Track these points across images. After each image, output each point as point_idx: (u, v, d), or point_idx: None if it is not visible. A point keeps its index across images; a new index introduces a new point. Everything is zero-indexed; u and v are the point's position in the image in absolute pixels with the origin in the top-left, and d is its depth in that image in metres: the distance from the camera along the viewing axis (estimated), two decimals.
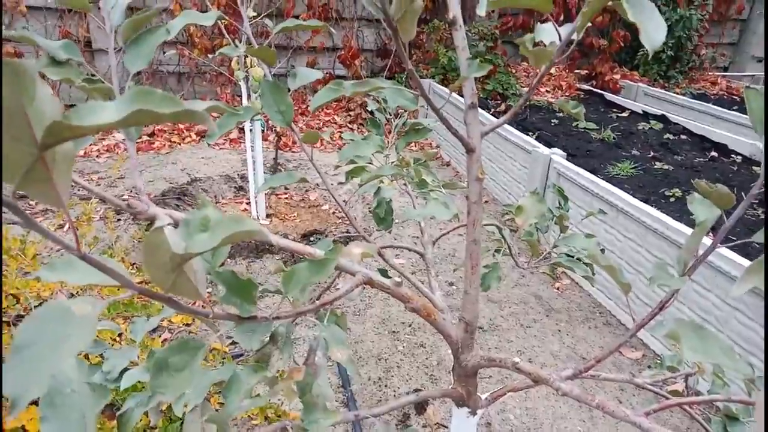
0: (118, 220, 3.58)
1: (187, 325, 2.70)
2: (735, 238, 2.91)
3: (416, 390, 2.37)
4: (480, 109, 4.98)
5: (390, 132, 1.55)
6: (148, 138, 5.14)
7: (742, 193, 3.54)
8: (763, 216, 3.22)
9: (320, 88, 1.10)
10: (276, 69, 6.30)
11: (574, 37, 0.76)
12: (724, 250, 2.31)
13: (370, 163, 1.41)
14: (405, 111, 1.57)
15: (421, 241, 1.24)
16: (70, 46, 0.76)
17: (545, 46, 0.82)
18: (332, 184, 4.39)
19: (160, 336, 2.56)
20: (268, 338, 0.87)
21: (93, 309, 0.43)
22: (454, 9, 0.79)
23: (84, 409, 0.59)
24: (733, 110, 5.62)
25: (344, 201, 4.34)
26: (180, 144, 5.17)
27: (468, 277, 0.82)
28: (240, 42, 3.88)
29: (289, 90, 1.10)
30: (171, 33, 0.86)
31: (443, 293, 3.31)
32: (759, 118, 0.66)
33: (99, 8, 0.81)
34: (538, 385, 0.77)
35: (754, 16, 7.56)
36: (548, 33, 0.84)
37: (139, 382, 0.97)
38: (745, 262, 2.28)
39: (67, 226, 3.56)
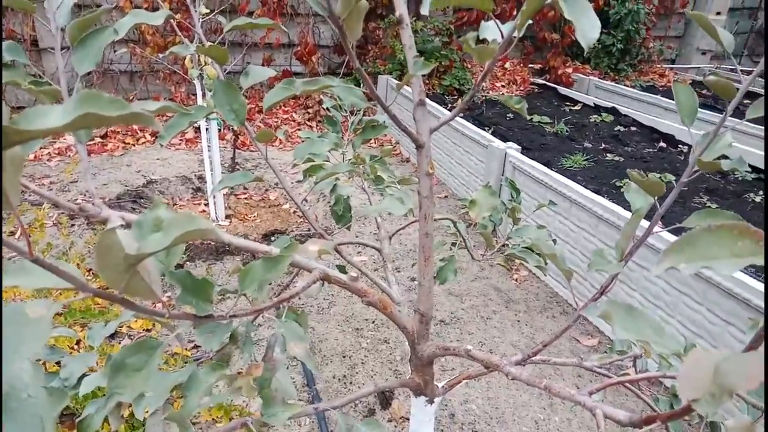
0: (72, 225, 3.49)
1: (147, 330, 2.66)
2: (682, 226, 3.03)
3: None
4: (437, 105, 5.02)
5: (347, 129, 1.57)
6: (101, 140, 5.02)
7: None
8: (710, 205, 3.36)
9: (276, 83, 1.11)
10: (231, 66, 6.23)
11: (516, 34, 0.79)
12: (666, 234, 2.41)
13: (327, 161, 1.42)
14: (361, 108, 1.59)
15: (378, 237, 1.26)
16: (15, 47, 0.75)
17: (488, 43, 0.85)
18: (291, 183, 4.38)
19: (120, 342, 2.52)
20: (228, 339, 0.87)
21: (47, 311, 0.43)
22: (401, 8, 0.81)
23: (41, 413, 0.59)
24: None
25: (304, 200, 4.33)
26: (134, 145, 5.07)
27: (421, 269, 0.84)
28: (193, 40, 3.82)
29: (241, 88, 1.10)
30: (119, 33, 0.86)
31: (405, 288, 3.34)
32: (686, 111, 0.70)
33: (44, 8, 0.80)
34: (491, 372, 0.80)
35: (698, 10, 7.84)
36: (492, 30, 0.87)
37: (98, 387, 0.97)
38: None
39: (18, 232, 3.45)
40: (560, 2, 0.71)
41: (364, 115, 1.60)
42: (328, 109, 1.63)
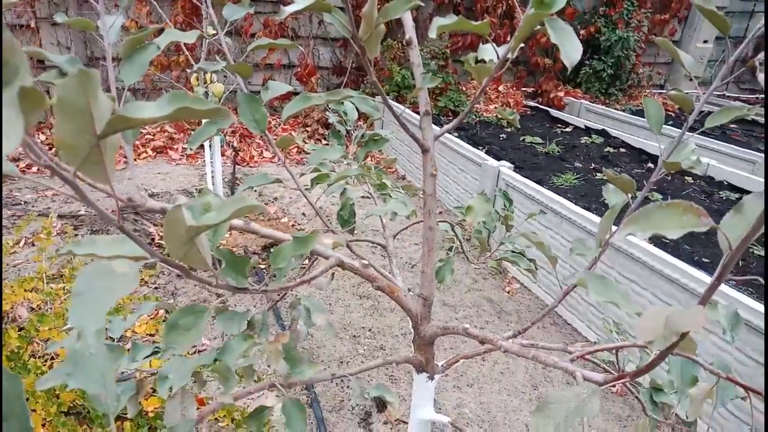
0: (76, 234, 3.58)
1: (151, 335, 2.74)
2: (667, 241, 3.15)
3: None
4: (433, 125, 5.18)
5: (350, 142, 1.68)
6: None
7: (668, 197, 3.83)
8: None
9: (277, 103, 1.22)
10: (234, 86, 6.38)
11: (509, 55, 0.91)
12: (634, 238, 2.56)
13: (333, 171, 1.54)
14: (364, 123, 1.70)
15: (383, 236, 1.37)
16: (74, 60, 0.86)
17: (485, 63, 0.97)
18: (289, 198, 4.49)
19: (124, 345, 2.59)
20: (246, 326, 0.98)
21: (130, 268, 0.54)
22: (410, 31, 0.93)
23: (102, 368, 0.69)
24: (669, 125, 6.01)
25: (302, 213, 4.44)
26: (136, 160, 5.17)
27: (425, 258, 0.95)
28: (199, 59, 3.95)
29: (262, 101, 1.22)
30: (160, 47, 0.98)
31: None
32: (654, 121, 0.82)
33: (97, 27, 0.92)
34: (487, 353, 0.90)
35: (686, 38, 8.09)
36: (489, 52, 0.99)
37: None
38: (644, 244, 2.60)
39: (22, 242, 3.54)
40: (548, 29, 0.83)
41: (366, 129, 1.72)
42: (331, 124, 1.75)
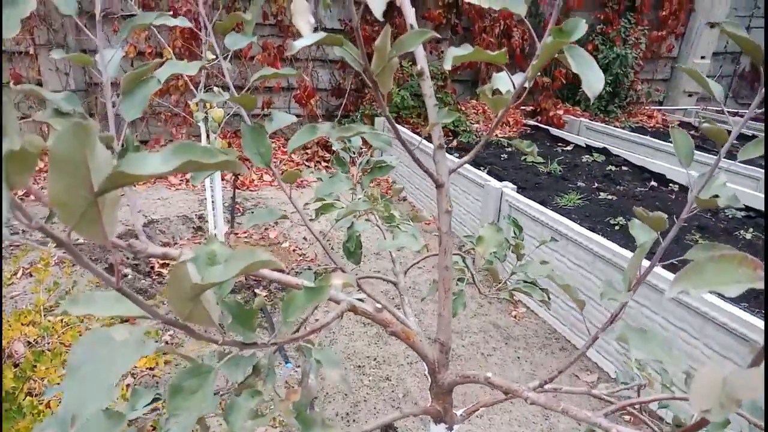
0: (74, 265, 3.52)
1: (151, 369, 2.68)
2: (677, 264, 3.10)
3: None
4: (432, 145, 5.15)
5: (354, 167, 1.64)
6: None
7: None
8: (701, 241, 3.44)
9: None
10: (234, 109, 6.37)
11: (527, 85, 0.88)
12: (660, 270, 2.48)
13: (337, 200, 1.49)
14: (368, 149, 1.66)
15: (393, 272, 1.32)
16: (72, 98, 0.82)
17: (501, 93, 0.93)
18: (291, 223, 4.44)
19: (123, 380, 2.53)
20: (251, 371, 0.92)
21: (131, 334, 0.49)
22: (421, 62, 0.89)
23: None
24: (669, 142, 6.00)
25: (303, 238, 4.38)
26: (135, 186, 5.13)
27: (441, 300, 0.90)
28: (198, 85, 3.93)
29: (266, 132, 1.17)
30: (161, 81, 0.94)
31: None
32: (684, 153, 0.77)
33: (95, 61, 0.87)
34: (507, 399, 0.85)
35: (683, 54, 8.12)
36: (503, 81, 0.95)
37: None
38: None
39: (20, 272, 3.48)
40: (568, 59, 0.79)
41: (370, 156, 1.68)
42: (333, 149, 1.71)
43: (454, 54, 0.77)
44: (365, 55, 0.73)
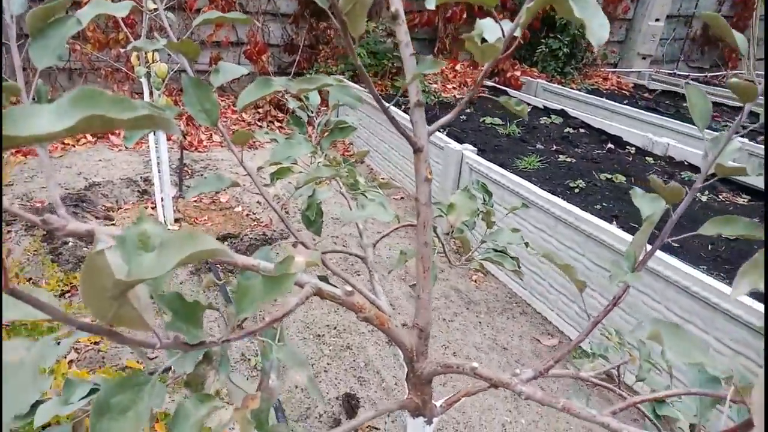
0: (8, 231, 3.27)
1: (95, 343, 2.51)
2: (636, 225, 3.10)
3: (347, 394, 2.33)
4: (393, 107, 4.97)
5: (312, 129, 1.50)
6: None
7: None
8: None
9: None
10: (179, 65, 5.97)
11: (517, 33, 0.76)
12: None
13: (295, 164, 1.35)
14: (326, 107, 1.52)
15: (359, 244, 1.20)
16: None
17: (487, 41, 0.80)
18: (244, 186, 4.24)
19: (66, 357, 2.36)
20: (201, 357, 0.80)
21: (29, 352, 0.36)
22: (396, 2, 0.75)
23: None
24: (624, 104, 6.02)
25: (274, 204, 4.20)
26: (74, 146, 4.81)
27: (420, 281, 0.79)
28: (138, 37, 3.64)
29: (212, 87, 1.03)
30: (82, 23, 0.78)
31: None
32: (699, 114, 0.67)
33: None
34: (492, 388, 0.75)
35: (638, 16, 8.12)
36: (491, 29, 0.83)
37: (56, 416, 0.87)
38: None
39: None
40: (570, 2, 0.68)
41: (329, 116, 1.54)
42: (289, 108, 1.56)
43: None
44: None
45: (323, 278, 1.05)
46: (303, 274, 0.73)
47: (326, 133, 1.46)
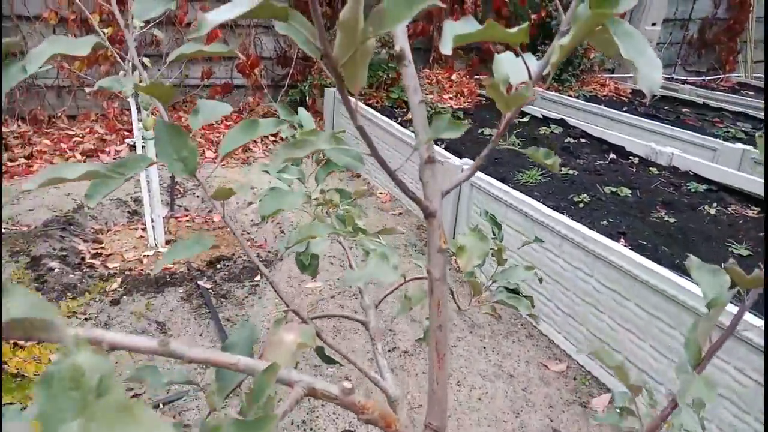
0: None
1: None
2: (645, 243, 2.97)
3: None
4: (386, 118, 4.85)
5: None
6: (26, 160, 4.60)
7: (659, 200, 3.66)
8: (669, 220, 3.33)
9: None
10: (171, 80, 5.86)
11: (549, 71, 0.64)
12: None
13: (290, 186, 1.23)
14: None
15: (361, 305, 1.08)
16: None
17: (508, 80, 0.69)
18: (237, 204, 4.12)
19: None
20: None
21: None
22: (401, 40, 0.63)
23: None
24: (624, 111, 5.91)
25: (252, 221, 4.07)
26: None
27: (434, 371, 0.67)
28: (127, 55, 3.52)
29: (190, 131, 0.91)
30: (29, 70, 0.67)
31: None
32: None
33: None
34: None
35: (634, 21, 8.04)
36: (509, 64, 0.71)
37: None
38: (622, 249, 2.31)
39: None
40: (615, 38, 0.56)
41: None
42: (285, 138, 1.44)
43: (457, 32, 0.52)
44: (324, 34, 0.47)
45: (319, 349, 0.92)
46: (294, 373, 0.60)
47: (323, 163, 1.34)
